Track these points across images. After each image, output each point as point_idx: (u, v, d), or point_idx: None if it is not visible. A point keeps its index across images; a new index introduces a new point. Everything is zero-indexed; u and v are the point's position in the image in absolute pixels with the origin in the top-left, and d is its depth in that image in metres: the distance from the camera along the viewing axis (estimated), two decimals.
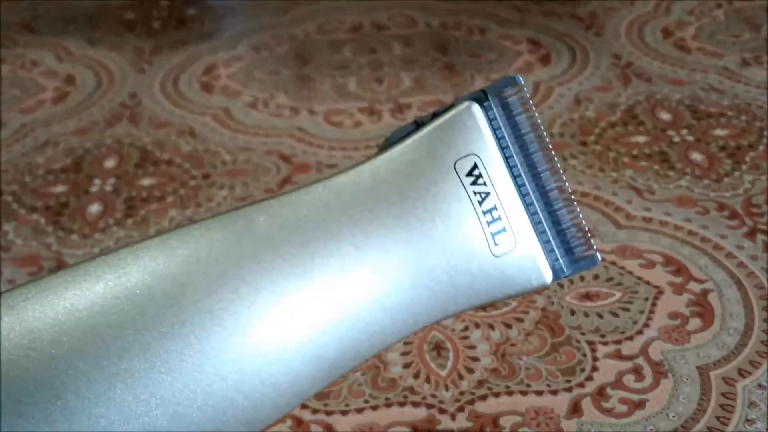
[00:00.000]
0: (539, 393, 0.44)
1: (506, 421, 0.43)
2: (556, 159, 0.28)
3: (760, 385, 0.44)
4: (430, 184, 0.27)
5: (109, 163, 0.66)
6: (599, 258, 0.29)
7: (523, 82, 0.28)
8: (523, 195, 0.28)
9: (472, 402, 0.44)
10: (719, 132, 0.66)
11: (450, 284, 0.27)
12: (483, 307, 0.50)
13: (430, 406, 0.44)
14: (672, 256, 0.53)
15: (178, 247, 0.25)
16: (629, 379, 0.45)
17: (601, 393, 0.44)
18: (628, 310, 0.49)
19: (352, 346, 0.26)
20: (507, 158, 0.28)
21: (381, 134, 0.67)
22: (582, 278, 0.52)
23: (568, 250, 0.28)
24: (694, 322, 0.48)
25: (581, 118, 0.69)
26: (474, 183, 0.27)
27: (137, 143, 0.68)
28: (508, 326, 0.48)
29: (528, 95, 0.28)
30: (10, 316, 0.23)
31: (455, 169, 0.27)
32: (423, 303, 0.27)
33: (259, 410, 0.25)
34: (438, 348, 0.47)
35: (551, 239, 0.28)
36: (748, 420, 0.42)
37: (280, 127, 0.70)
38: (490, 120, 0.28)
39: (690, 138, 0.65)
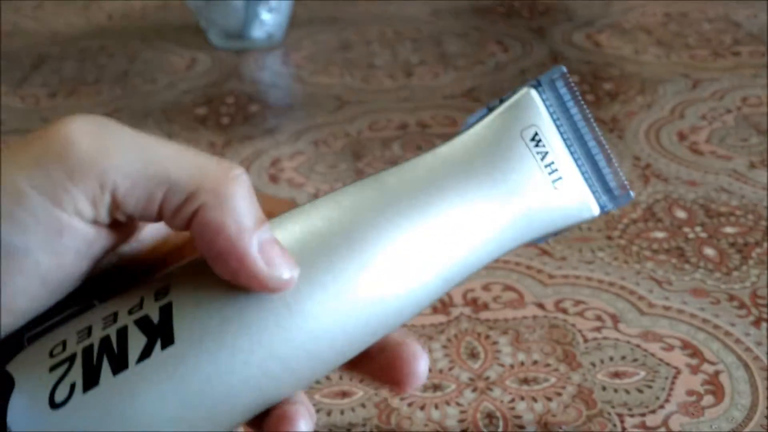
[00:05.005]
0: None
1: None
2: (596, 125, 0.38)
3: None
4: (504, 150, 0.37)
5: None
6: (633, 195, 0.38)
7: (567, 71, 0.38)
8: (572, 153, 0.38)
9: None
10: (729, 230, 0.75)
11: (526, 218, 0.37)
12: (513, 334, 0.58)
13: None
14: (688, 341, 0.62)
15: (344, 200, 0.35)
16: None
17: None
18: (651, 387, 0.58)
19: (460, 268, 0.36)
20: (558, 127, 0.38)
21: None
22: (611, 359, 0.60)
23: (609, 192, 0.38)
24: (708, 399, 0.57)
25: (607, 214, 0.78)
26: (536, 146, 0.38)
27: None
28: (549, 399, 0.57)
29: (570, 79, 0.38)
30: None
31: (522, 136, 0.38)
32: (508, 234, 0.37)
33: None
34: (490, 417, 0.56)
35: (596, 184, 0.38)
36: None
37: None
38: (544, 100, 0.38)
39: (703, 235, 0.75)
